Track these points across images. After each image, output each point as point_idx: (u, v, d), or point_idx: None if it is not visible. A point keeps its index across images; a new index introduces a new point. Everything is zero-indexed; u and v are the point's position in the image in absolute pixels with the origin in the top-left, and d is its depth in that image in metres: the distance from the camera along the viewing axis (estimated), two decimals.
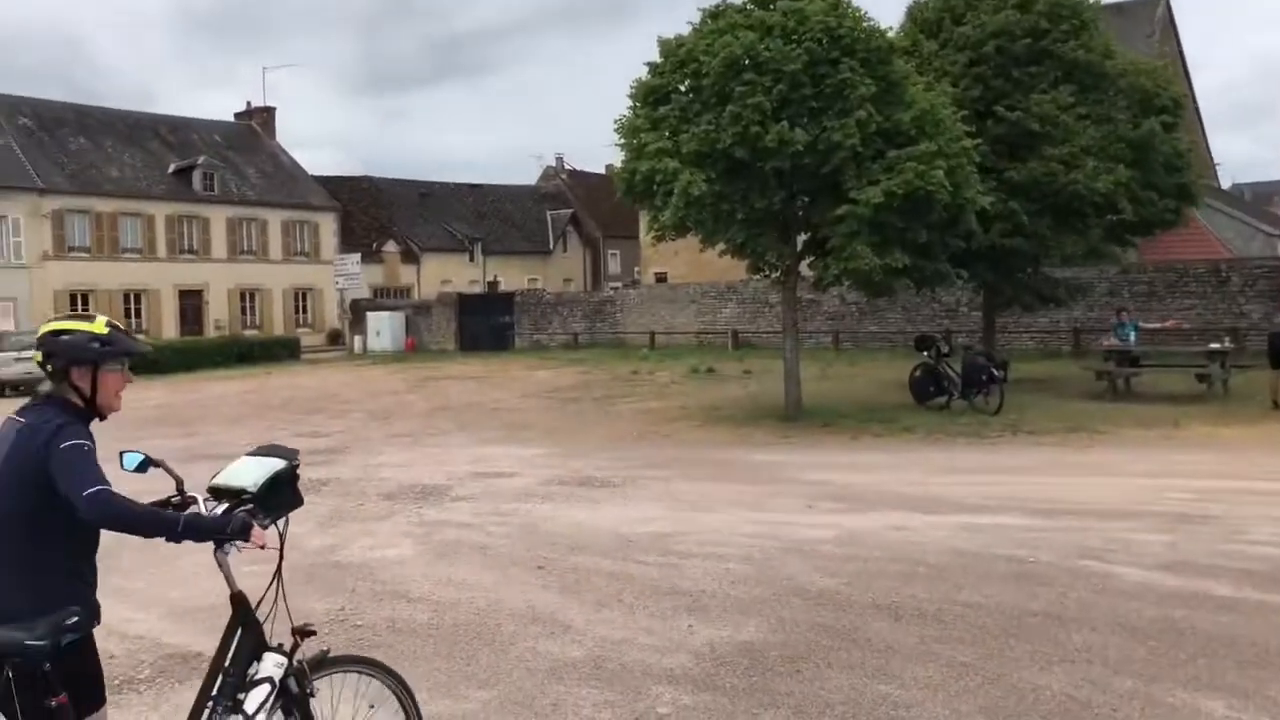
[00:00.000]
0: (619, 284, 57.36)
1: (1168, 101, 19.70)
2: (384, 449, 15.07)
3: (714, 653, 5.87)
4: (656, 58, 15.97)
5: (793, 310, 17.05)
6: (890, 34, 16.41)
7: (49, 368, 3.29)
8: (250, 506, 3.34)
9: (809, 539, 8.55)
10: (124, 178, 46.87)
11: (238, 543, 3.30)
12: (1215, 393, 17.23)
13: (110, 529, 3.16)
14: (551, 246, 68.33)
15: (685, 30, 16.04)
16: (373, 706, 3.87)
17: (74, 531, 3.21)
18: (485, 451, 14.42)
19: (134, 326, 45.01)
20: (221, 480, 3.48)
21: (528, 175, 77.19)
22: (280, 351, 39.81)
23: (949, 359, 17.21)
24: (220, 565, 3.45)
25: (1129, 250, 24.78)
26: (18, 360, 29.11)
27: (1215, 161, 50.50)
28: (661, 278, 50.17)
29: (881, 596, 6.80)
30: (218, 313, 48.84)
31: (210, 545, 3.37)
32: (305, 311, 52.73)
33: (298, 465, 3.54)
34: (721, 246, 17.25)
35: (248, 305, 50.50)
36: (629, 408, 19.52)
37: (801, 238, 17.01)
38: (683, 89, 15.76)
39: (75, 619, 3.10)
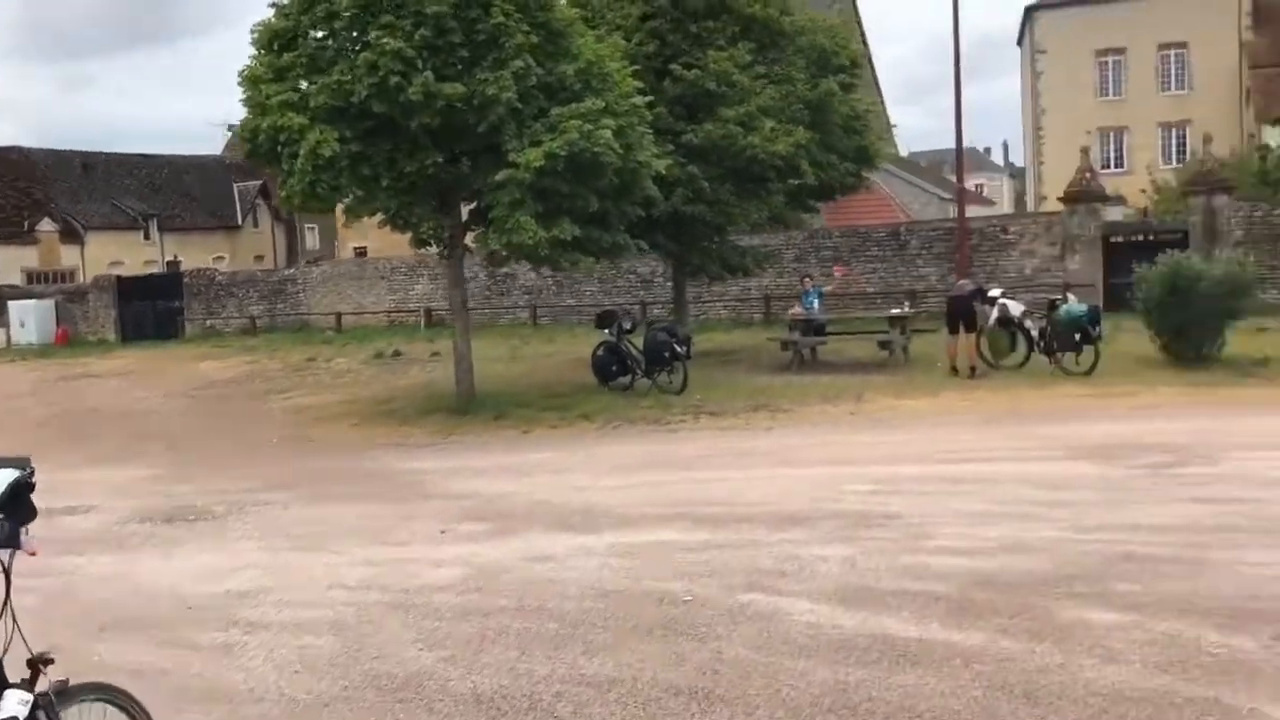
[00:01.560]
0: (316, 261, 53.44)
1: (845, 61, 19.28)
2: None
3: None
4: None
5: (460, 289, 15.21)
6: None
7: None
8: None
9: (427, 585, 6.78)
10: None
11: None
12: (897, 359, 16.91)
13: None
14: (240, 221, 62.89)
15: None
16: None
17: None
18: (71, 477, 11.69)
19: None
20: None
21: (217, 145, 70.66)
22: None
23: (632, 335, 15.93)
24: None
25: (815, 216, 24.66)
26: None
27: (892, 123, 52.90)
28: (361, 252, 47.15)
29: (487, 680, 5.11)
30: None
31: None
32: None
33: (32, 472, 3.28)
34: (380, 217, 15.23)
35: None
36: (284, 405, 17.09)
37: (470, 206, 15.21)
38: (316, 33, 13.50)
39: None
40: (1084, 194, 23.54)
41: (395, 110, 12.72)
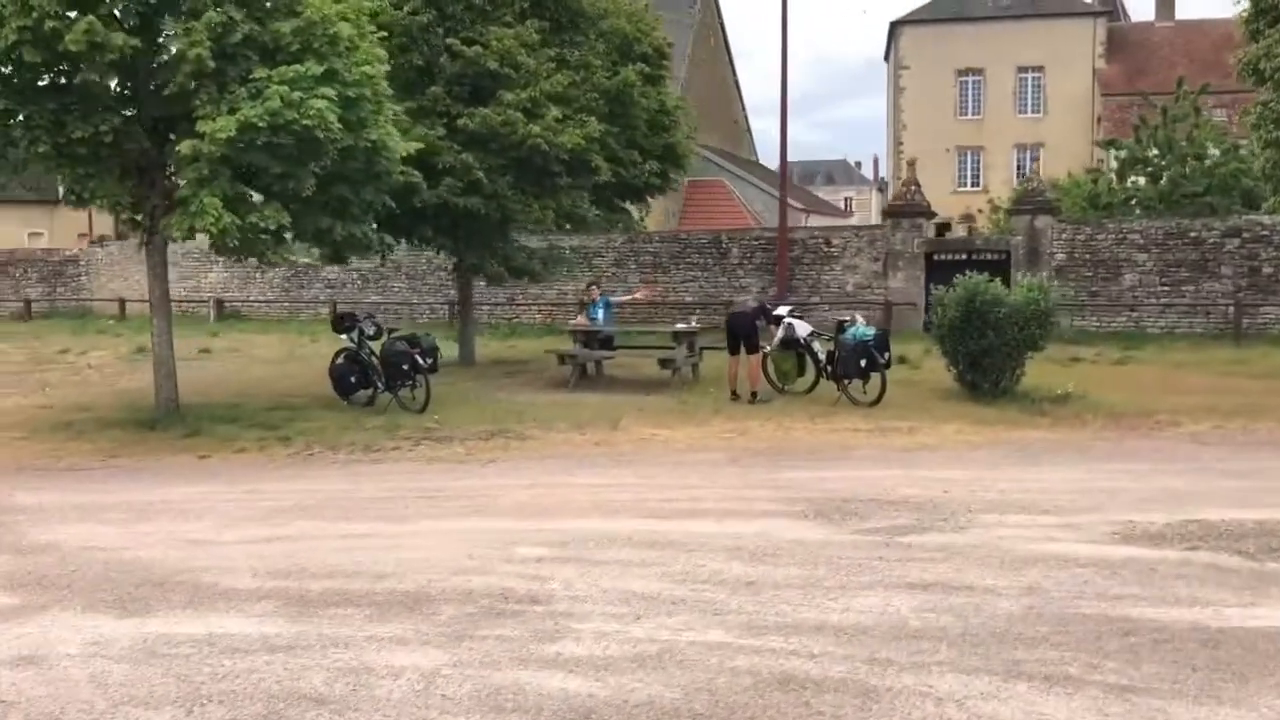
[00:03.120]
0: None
1: (648, 49, 17.66)
2: None
3: None
4: None
5: (161, 280, 12.95)
6: None
7: None
8: None
9: None
10: None
11: None
12: (684, 378, 15.35)
13: None
14: (60, 196, 58.06)
15: None
16: None
17: None
18: None
19: None
20: None
21: None
22: None
23: (377, 343, 13.91)
24: None
25: (626, 217, 23.09)
26: None
27: (745, 127, 52.04)
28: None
29: None
30: None
31: None
32: None
33: None
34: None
35: None
36: None
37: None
38: None
39: None
40: (907, 208, 22.51)
41: (54, 60, 10.49)
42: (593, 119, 16.14)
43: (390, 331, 13.72)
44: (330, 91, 11.08)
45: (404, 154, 12.68)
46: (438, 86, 15.74)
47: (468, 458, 10.57)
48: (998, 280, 13.45)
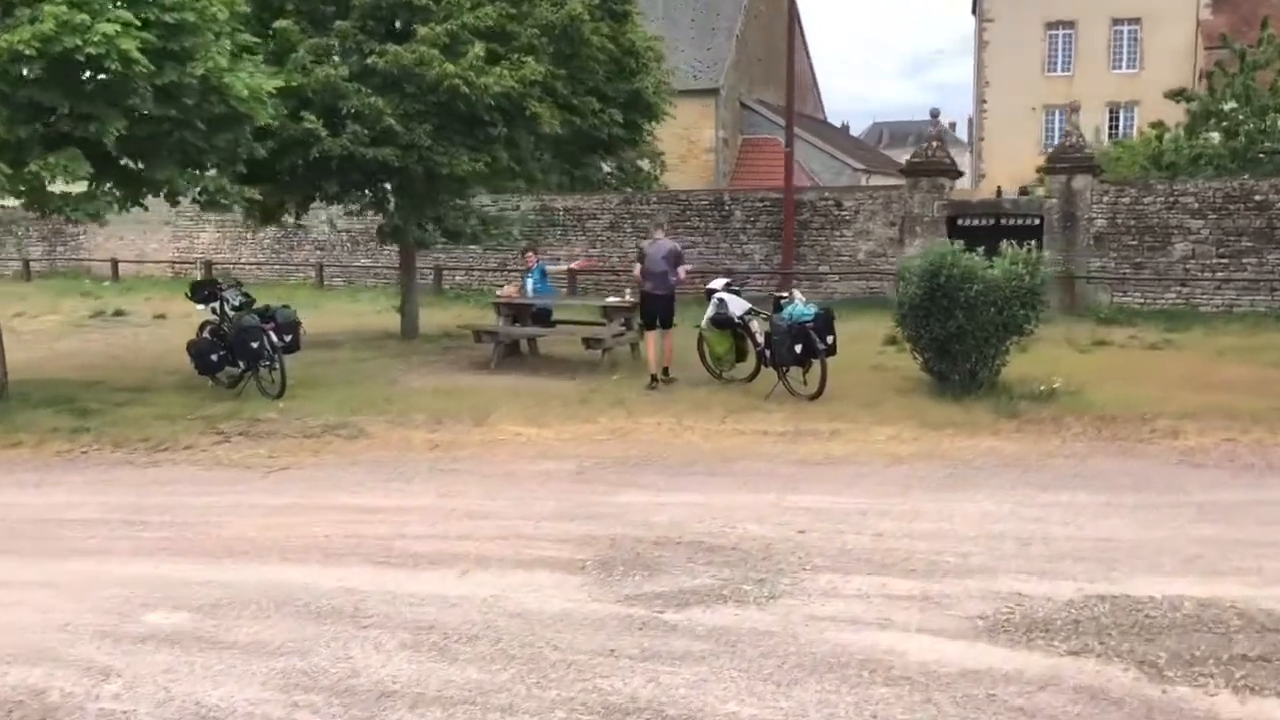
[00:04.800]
0: None
1: None
2: None
3: None
4: None
5: None
6: None
7: None
8: None
9: None
10: None
11: None
12: (617, 359, 13.26)
13: None
14: None
15: None
16: None
17: None
18: None
19: None
20: None
21: None
22: None
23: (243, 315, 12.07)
24: None
25: (657, 175, 20.90)
26: None
27: (812, 86, 48.96)
28: None
29: None
30: None
31: None
32: None
33: None
34: None
35: None
36: None
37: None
38: None
39: None
40: (927, 165, 19.86)
41: None
42: (530, 59, 14.03)
43: (252, 303, 11.90)
44: (124, 14, 9.20)
45: (249, 93, 10.66)
46: (347, 21, 13.80)
47: (268, 460, 8.69)
48: (973, 252, 11.04)
